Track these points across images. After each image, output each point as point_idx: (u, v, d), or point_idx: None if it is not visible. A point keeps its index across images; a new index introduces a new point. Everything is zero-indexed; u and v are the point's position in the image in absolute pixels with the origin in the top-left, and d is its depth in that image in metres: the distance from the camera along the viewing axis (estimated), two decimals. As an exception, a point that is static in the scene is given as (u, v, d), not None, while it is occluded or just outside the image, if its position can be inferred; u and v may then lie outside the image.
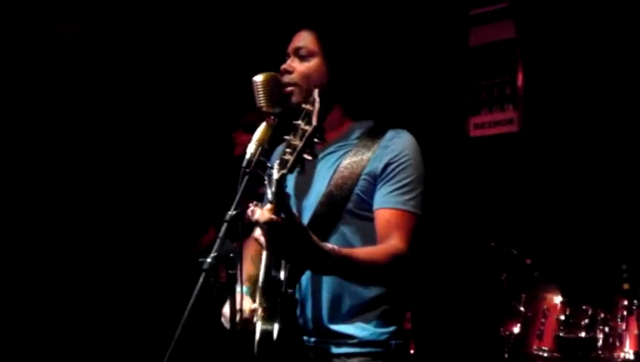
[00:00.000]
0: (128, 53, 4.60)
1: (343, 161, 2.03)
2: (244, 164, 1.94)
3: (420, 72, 4.50)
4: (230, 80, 4.40)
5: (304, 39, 2.09)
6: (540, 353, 3.47)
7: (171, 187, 4.66)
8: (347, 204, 1.98)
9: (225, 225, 1.85)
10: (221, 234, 1.85)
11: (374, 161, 2.00)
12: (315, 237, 1.67)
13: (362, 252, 1.84)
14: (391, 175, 1.98)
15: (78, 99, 4.48)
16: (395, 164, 1.98)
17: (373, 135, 2.07)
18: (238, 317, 1.93)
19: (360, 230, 1.99)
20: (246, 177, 1.88)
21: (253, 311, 1.96)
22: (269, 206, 1.64)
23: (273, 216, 1.60)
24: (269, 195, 1.65)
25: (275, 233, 1.61)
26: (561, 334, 3.41)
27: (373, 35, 2.21)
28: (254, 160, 1.93)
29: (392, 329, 1.98)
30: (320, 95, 2.02)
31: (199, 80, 4.71)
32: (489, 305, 3.87)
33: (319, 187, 2.03)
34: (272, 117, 2.02)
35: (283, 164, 1.59)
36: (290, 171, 1.57)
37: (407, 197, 1.96)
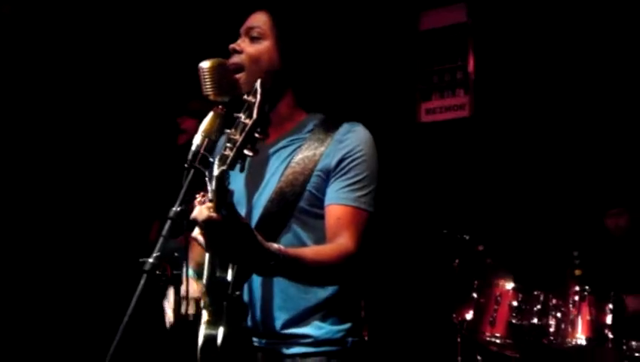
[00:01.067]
0: (67, 32, 4.36)
1: (295, 156, 1.94)
2: (190, 156, 1.83)
3: (370, 57, 4.43)
4: (175, 62, 4.26)
5: (257, 20, 1.98)
6: (493, 339, 3.47)
7: (111, 179, 4.45)
8: (299, 201, 1.89)
9: (168, 222, 1.75)
10: (164, 232, 1.74)
11: (328, 155, 1.91)
12: (260, 238, 1.58)
13: (310, 252, 1.76)
14: (344, 170, 1.90)
15: (10, 83, 4.23)
16: (349, 160, 1.90)
17: (327, 128, 1.98)
18: (183, 306, 1.82)
19: (313, 228, 1.91)
20: (191, 172, 1.77)
21: (202, 294, 1.84)
22: (208, 203, 1.54)
23: (212, 214, 1.50)
24: (209, 193, 1.55)
25: (215, 232, 1.52)
26: (513, 321, 3.40)
27: (327, 19, 2.10)
28: (200, 153, 1.82)
29: (347, 326, 1.91)
30: (269, 82, 1.94)
31: (141, 62, 4.51)
32: (442, 292, 3.85)
33: (270, 183, 1.94)
34: (220, 106, 1.91)
35: (223, 159, 1.49)
36: (231, 168, 1.47)
37: (359, 193, 1.89)
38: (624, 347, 3.26)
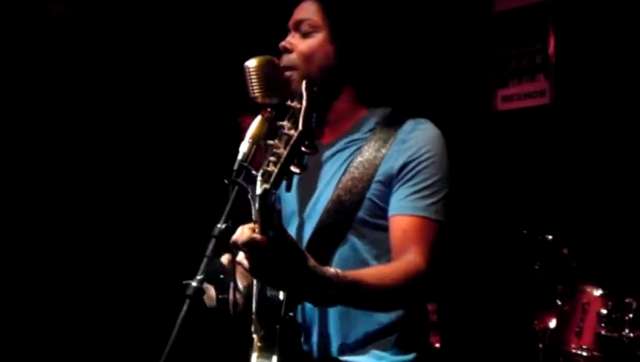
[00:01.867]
0: (124, 32, 4.28)
1: (354, 160, 1.73)
2: (235, 166, 1.64)
3: (440, 42, 4.14)
4: (233, 60, 4.10)
5: (307, 11, 1.78)
6: (579, 351, 3.16)
7: (173, 182, 4.34)
8: (358, 211, 1.69)
9: (212, 241, 1.57)
10: (208, 251, 1.57)
11: (390, 158, 1.70)
12: (313, 262, 1.38)
13: (373, 275, 1.53)
14: (409, 175, 1.68)
15: (71, 85, 4.18)
16: (415, 163, 1.68)
17: (390, 126, 1.76)
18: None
19: (374, 242, 1.70)
20: (236, 186, 1.58)
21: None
22: (251, 224, 1.35)
23: (256, 236, 1.31)
24: (253, 213, 1.36)
25: (259, 257, 1.32)
26: (602, 332, 3.08)
27: (388, 3, 1.87)
28: (247, 162, 1.64)
29: (411, 357, 1.70)
30: (325, 79, 1.73)
31: (200, 62, 4.37)
32: (521, 297, 3.56)
33: (326, 191, 1.73)
34: (269, 109, 1.72)
35: (266, 176, 1.29)
36: (274, 187, 1.27)
37: (428, 201, 1.66)
38: None
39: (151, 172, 4.31)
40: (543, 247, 3.39)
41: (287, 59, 1.74)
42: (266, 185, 1.28)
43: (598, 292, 3.18)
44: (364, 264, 1.66)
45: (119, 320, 4.05)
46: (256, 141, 1.68)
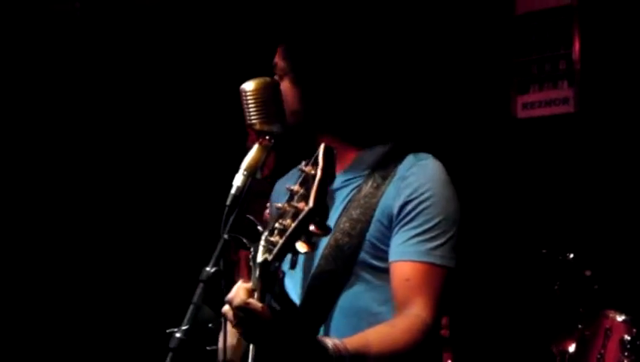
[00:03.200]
0: (132, 37, 4.17)
1: (353, 200, 1.57)
2: (229, 202, 1.49)
3: (456, 45, 3.95)
4: (241, 66, 3.96)
5: (277, 55, 1.68)
6: (601, 380, 2.98)
7: (181, 187, 4.23)
8: (359, 255, 1.53)
9: (200, 286, 1.43)
10: (195, 298, 1.42)
11: (389, 196, 1.56)
12: (314, 336, 1.27)
13: (378, 339, 1.39)
14: (410, 216, 1.54)
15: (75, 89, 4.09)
16: (416, 202, 1.54)
17: (389, 162, 1.60)
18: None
19: (379, 287, 1.55)
20: (227, 226, 1.44)
21: None
22: (249, 284, 1.20)
23: (253, 304, 1.17)
24: (252, 278, 1.23)
25: (254, 324, 1.18)
26: (625, 361, 2.91)
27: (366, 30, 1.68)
28: (241, 195, 1.50)
29: None
30: (296, 123, 1.61)
31: (209, 65, 4.24)
32: (540, 319, 3.39)
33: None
34: (268, 137, 1.57)
35: (269, 245, 1.16)
36: (276, 260, 1.14)
37: (431, 244, 1.52)
38: None
39: (165, 177, 4.22)
40: (563, 267, 3.22)
41: None
42: (268, 256, 1.16)
43: (621, 318, 3.01)
44: (368, 313, 1.53)
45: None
46: (251, 173, 1.54)
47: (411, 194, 1.53)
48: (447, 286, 1.51)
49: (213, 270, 1.42)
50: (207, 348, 1.49)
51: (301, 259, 1.59)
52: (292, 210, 1.13)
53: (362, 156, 1.64)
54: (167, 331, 1.41)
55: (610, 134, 3.59)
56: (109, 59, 4.18)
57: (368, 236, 1.54)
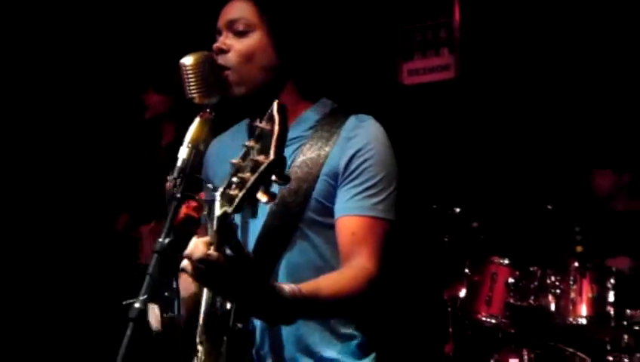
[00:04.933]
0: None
1: (297, 159, 1.66)
2: (175, 174, 1.54)
3: (344, 14, 4.08)
4: (136, 32, 3.86)
5: (240, 10, 1.66)
6: (489, 319, 3.32)
7: (71, 166, 4.06)
8: (305, 213, 1.63)
9: (155, 257, 1.47)
10: (150, 269, 1.46)
11: (334, 156, 1.64)
12: (271, 281, 1.36)
13: (327, 286, 1.49)
14: (354, 174, 1.62)
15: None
16: (360, 160, 1.62)
17: (332, 123, 1.69)
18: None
19: (326, 243, 1.65)
20: (174, 203, 1.48)
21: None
22: (206, 238, 1.27)
23: (213, 254, 1.24)
24: (209, 231, 1.29)
25: (214, 274, 1.26)
26: (511, 301, 3.25)
27: None
28: (187, 167, 1.54)
29: (371, 357, 1.70)
30: (267, 77, 1.65)
31: (100, 33, 4.08)
32: (431, 269, 3.67)
33: None
34: (208, 110, 1.61)
35: (226, 198, 1.21)
36: (236, 212, 1.19)
37: (375, 200, 1.61)
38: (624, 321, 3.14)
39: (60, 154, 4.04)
40: (452, 221, 3.49)
41: (224, 59, 1.62)
42: (227, 208, 1.20)
43: (505, 262, 3.35)
44: (315, 267, 1.62)
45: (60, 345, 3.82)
46: (195, 145, 1.58)
47: (355, 153, 1.61)
48: (389, 238, 1.62)
49: (167, 241, 1.46)
50: (164, 314, 1.54)
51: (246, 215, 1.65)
52: (250, 164, 1.18)
53: (306, 115, 1.71)
54: (124, 303, 1.44)
55: (489, 97, 3.90)
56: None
57: (315, 194, 1.61)
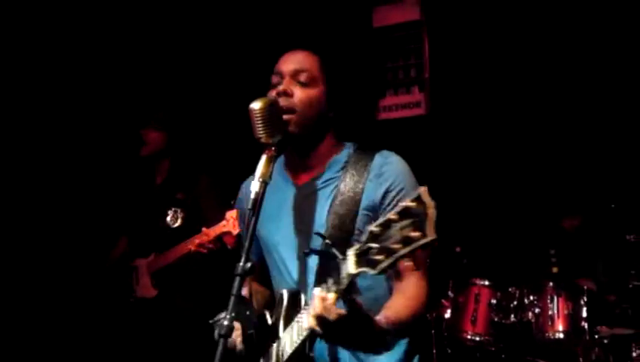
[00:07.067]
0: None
1: (337, 198, 1.87)
2: (250, 206, 1.70)
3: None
4: (137, 71, 3.95)
5: (304, 62, 1.90)
6: (475, 337, 3.56)
7: (71, 194, 4.09)
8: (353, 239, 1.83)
9: (237, 279, 1.62)
10: (234, 290, 1.61)
11: (369, 191, 1.86)
12: (376, 320, 1.61)
13: (402, 308, 1.75)
14: (391, 205, 1.84)
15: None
16: (394, 193, 1.85)
17: (359, 162, 1.92)
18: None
19: None
20: (252, 222, 1.65)
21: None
22: (323, 292, 1.51)
23: (342, 312, 1.49)
24: (332, 284, 1.51)
25: (339, 328, 1.51)
26: (495, 319, 3.51)
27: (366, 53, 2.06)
28: (259, 199, 1.72)
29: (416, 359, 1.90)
30: (320, 123, 1.88)
31: (106, 71, 4.15)
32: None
33: (317, 228, 1.85)
34: (273, 147, 1.79)
35: (367, 261, 1.42)
36: (380, 273, 1.40)
37: None
38: (595, 336, 3.44)
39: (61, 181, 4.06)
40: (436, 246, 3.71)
41: (288, 101, 1.83)
42: (369, 270, 1.40)
43: (486, 283, 3.61)
44: (381, 288, 1.83)
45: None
46: (264, 179, 1.75)
47: (389, 186, 1.83)
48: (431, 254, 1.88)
49: (249, 265, 1.61)
50: (248, 332, 1.68)
51: (296, 249, 1.87)
52: (398, 236, 1.35)
53: (337, 157, 1.92)
54: (210, 321, 1.58)
55: (459, 132, 4.18)
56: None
57: (357, 226, 1.82)
